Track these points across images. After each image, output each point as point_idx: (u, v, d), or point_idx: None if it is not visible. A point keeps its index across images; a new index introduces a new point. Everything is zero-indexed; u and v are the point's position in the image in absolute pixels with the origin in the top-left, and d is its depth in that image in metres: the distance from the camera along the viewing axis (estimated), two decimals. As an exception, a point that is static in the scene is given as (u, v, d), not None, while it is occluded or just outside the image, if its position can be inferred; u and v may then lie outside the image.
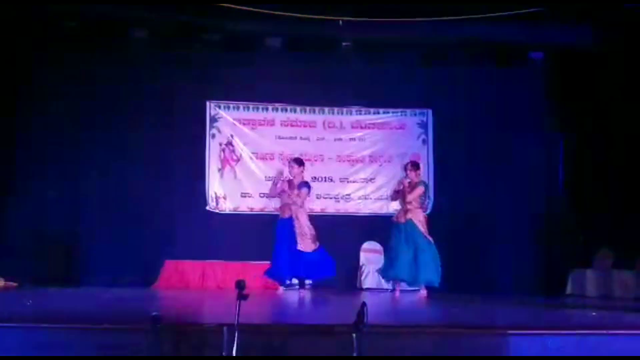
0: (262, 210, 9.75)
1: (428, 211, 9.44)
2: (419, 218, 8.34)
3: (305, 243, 8.32)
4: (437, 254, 8.25)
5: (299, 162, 8.71)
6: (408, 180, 8.36)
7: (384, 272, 8.58)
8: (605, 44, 9.27)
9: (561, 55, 9.95)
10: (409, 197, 8.30)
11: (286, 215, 8.44)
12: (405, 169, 8.55)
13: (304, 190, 8.52)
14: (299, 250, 8.27)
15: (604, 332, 4.27)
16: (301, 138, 10.25)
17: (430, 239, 8.27)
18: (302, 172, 8.65)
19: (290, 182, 8.59)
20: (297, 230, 8.33)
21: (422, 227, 8.27)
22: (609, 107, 9.49)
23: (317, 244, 8.41)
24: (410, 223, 8.25)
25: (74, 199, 9.47)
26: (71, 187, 9.46)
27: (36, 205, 9.37)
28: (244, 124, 10.14)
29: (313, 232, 8.42)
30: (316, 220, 9.60)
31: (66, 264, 9.29)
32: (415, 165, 8.56)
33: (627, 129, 9.24)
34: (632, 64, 9.06)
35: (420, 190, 8.39)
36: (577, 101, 9.88)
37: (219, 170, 10.01)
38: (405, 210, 8.31)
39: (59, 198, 9.41)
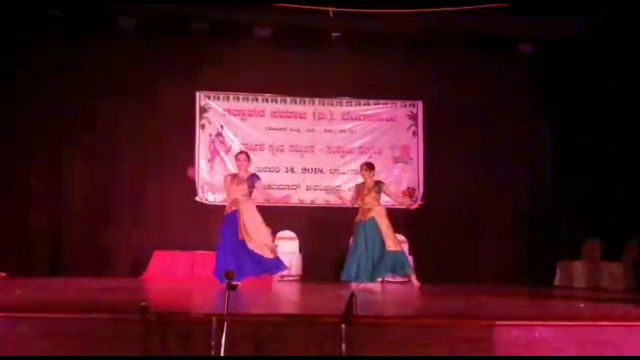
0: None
1: (418, 203, 9.51)
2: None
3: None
4: None
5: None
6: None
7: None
8: (592, 34, 9.33)
9: (549, 46, 9.99)
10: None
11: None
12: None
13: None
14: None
15: (592, 323, 4.29)
16: (291, 129, 10.25)
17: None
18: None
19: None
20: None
21: None
22: (596, 98, 9.55)
23: None
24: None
25: (60, 188, 9.43)
26: (57, 176, 9.42)
27: (22, 196, 9.33)
28: (234, 115, 10.12)
29: None
30: (306, 211, 9.63)
31: (54, 255, 9.26)
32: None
33: (613, 119, 9.30)
34: (617, 53, 9.12)
35: None
36: (564, 92, 9.95)
37: (209, 161, 10.00)
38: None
39: (45, 187, 9.37)
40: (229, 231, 7.57)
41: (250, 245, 7.49)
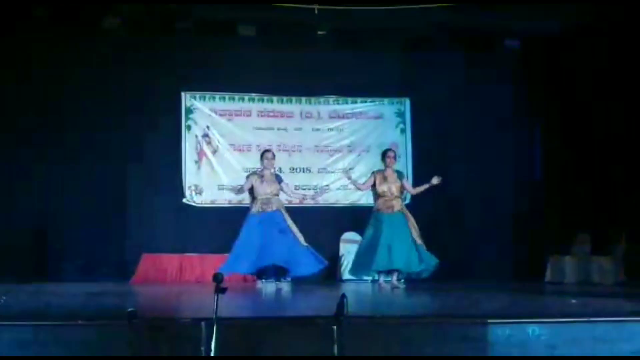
0: (239, 202, 9.60)
1: (407, 200, 9.41)
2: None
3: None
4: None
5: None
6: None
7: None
8: (577, 30, 9.34)
9: (536, 42, 9.99)
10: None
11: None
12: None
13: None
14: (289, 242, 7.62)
15: (585, 319, 4.26)
16: (278, 129, 10.18)
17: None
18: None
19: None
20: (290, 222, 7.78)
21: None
22: (584, 93, 9.58)
23: None
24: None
25: (45, 191, 9.29)
26: (42, 179, 9.28)
27: (5, 200, 9.18)
28: (220, 115, 10.04)
29: None
30: (295, 211, 9.53)
31: (39, 259, 9.13)
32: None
33: (601, 114, 9.31)
34: (602, 48, 9.14)
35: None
36: (553, 87, 9.97)
37: (196, 162, 9.91)
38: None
39: (29, 191, 9.23)
40: (257, 232, 7.48)
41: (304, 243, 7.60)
